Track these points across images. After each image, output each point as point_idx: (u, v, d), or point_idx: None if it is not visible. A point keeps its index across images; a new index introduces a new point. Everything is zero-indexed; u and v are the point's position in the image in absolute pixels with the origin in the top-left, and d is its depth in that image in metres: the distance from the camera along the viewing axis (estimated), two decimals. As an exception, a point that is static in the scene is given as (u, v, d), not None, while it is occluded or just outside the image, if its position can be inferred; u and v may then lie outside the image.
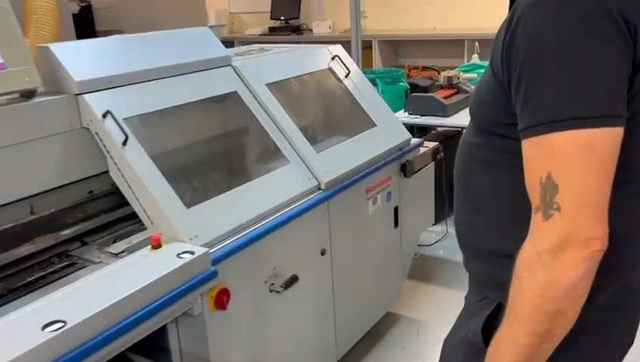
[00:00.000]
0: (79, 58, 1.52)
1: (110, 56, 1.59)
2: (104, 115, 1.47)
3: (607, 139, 0.76)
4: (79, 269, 1.53)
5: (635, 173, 0.86)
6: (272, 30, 6.13)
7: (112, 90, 1.53)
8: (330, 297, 1.98)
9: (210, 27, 1.96)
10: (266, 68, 2.01)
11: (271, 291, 1.69)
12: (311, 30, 5.98)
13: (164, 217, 1.44)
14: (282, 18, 6.14)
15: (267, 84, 1.94)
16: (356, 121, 2.18)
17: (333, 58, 2.27)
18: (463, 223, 1.03)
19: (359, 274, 2.13)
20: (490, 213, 0.95)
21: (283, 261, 1.73)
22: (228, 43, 5.97)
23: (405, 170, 2.27)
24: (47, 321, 1.09)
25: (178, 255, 1.36)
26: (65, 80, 1.47)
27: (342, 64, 2.26)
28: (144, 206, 1.47)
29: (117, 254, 1.56)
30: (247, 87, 1.89)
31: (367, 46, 5.16)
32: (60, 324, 1.09)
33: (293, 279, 1.73)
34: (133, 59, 1.63)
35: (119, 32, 3.87)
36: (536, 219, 0.79)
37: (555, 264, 0.77)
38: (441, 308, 2.60)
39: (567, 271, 0.76)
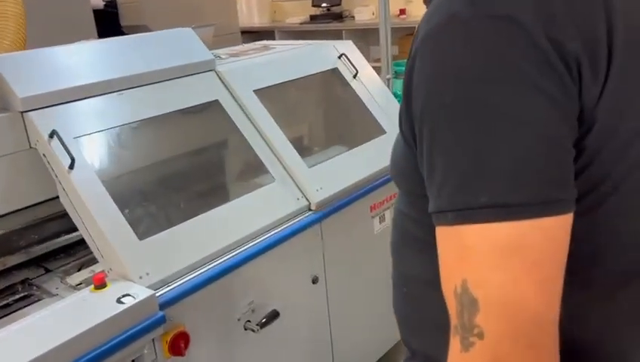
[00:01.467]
0: (28, 71, 1.37)
1: (66, 68, 1.43)
2: (50, 135, 1.31)
3: (543, 235, 0.50)
4: (33, 303, 1.40)
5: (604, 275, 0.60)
6: (313, 18, 5.90)
7: (62, 105, 1.37)
8: (326, 329, 1.77)
9: (194, 28, 1.77)
10: (257, 71, 1.80)
11: (246, 329, 1.50)
12: (353, 17, 5.70)
13: (112, 251, 1.27)
14: (324, 5, 5.89)
15: (255, 91, 1.73)
16: (362, 128, 1.94)
17: (340, 57, 2.03)
18: (397, 313, 0.79)
19: (362, 301, 1.90)
20: (421, 308, 0.71)
21: (262, 294, 1.53)
22: (268, 33, 5.86)
23: (420, 182, 2.01)
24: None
25: (118, 299, 1.19)
26: (9, 96, 1.33)
27: (349, 63, 2.02)
28: (93, 237, 1.31)
29: (75, 286, 1.43)
30: (231, 94, 1.69)
31: (410, 33, 4.85)
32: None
33: (274, 315, 1.53)
34: (95, 69, 1.46)
35: (145, 27, 3.77)
36: (453, 345, 0.54)
37: None
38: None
39: None
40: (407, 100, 0.58)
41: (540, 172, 0.49)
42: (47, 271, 1.53)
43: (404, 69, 0.64)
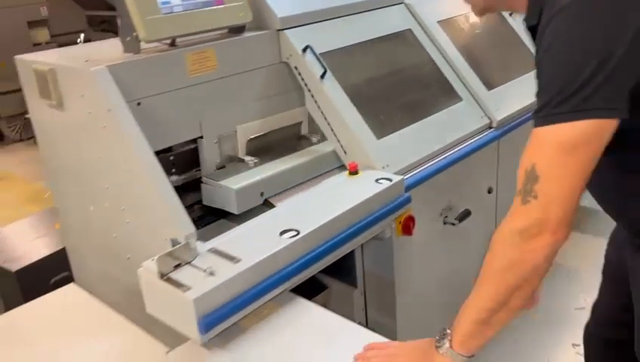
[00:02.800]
0: (281, -6, 1.61)
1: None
2: (304, 50, 1.56)
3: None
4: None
5: None
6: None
7: (310, 25, 1.62)
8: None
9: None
10: (437, 5, 2.02)
11: (445, 223, 1.76)
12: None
13: (359, 146, 1.53)
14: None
15: (439, 22, 1.95)
16: (522, 60, 2.14)
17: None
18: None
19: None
20: None
21: (456, 195, 1.78)
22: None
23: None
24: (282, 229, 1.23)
25: (377, 180, 1.45)
26: (268, 16, 1.58)
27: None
28: (338, 136, 1.57)
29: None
30: (419, 24, 1.92)
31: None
32: (294, 233, 1.22)
33: (466, 213, 1.79)
34: (321, -3, 1.71)
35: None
36: (516, 201, 0.90)
37: (525, 245, 0.88)
38: (588, 256, 2.56)
39: (533, 253, 0.88)
40: None
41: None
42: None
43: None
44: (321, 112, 1.59)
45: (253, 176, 1.46)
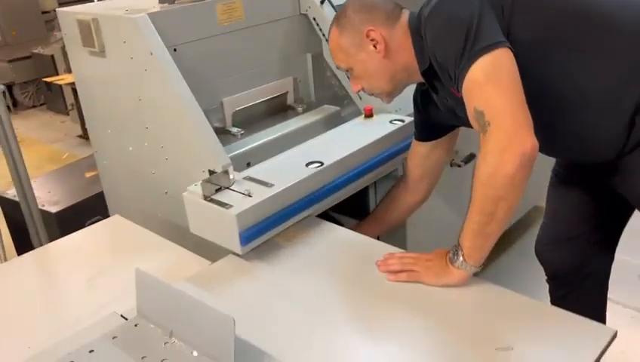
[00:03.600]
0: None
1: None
2: (322, 1, 1.68)
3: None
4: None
5: None
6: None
7: (325, -20, 1.73)
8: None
9: None
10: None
11: (452, 165, 1.90)
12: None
13: (374, 91, 1.66)
14: None
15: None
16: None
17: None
18: None
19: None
20: None
21: (463, 139, 1.91)
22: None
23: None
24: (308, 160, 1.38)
25: (391, 121, 1.59)
26: (288, -30, 1.70)
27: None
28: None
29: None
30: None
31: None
32: (319, 164, 1.36)
33: (472, 156, 1.93)
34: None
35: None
36: (481, 139, 1.05)
37: (496, 160, 1.01)
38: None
39: (504, 165, 1.00)
40: None
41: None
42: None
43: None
44: (338, 61, 1.71)
45: (240, 147, 1.53)
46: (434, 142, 1.43)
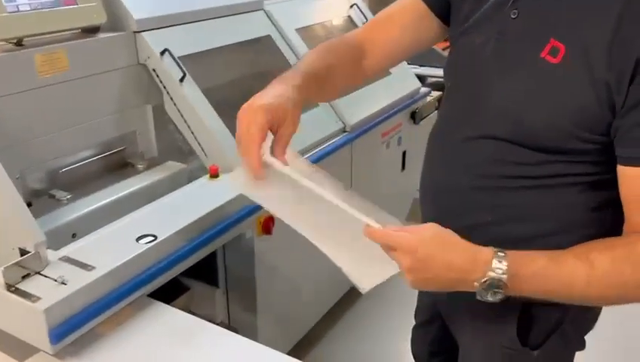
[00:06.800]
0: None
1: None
2: (162, 53, 1.57)
3: None
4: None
5: None
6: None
7: (168, 28, 1.62)
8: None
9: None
10: (294, 13, 2.11)
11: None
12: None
13: (219, 149, 1.58)
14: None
15: (297, 29, 2.05)
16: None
17: (351, 6, 2.37)
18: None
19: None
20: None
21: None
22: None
23: (415, 116, 2.43)
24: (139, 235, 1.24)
25: (236, 184, 1.50)
26: (125, 18, 1.56)
27: (360, 12, 2.37)
28: (199, 139, 1.60)
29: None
30: (278, 31, 2.00)
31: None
32: (151, 238, 1.23)
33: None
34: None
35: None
36: None
37: None
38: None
39: None
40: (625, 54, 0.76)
41: None
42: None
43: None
44: (181, 115, 1.60)
45: (65, 215, 1.36)
46: (434, 14, 1.09)
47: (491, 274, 0.76)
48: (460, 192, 0.99)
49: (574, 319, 1.02)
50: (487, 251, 0.79)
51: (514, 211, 0.94)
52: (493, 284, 0.76)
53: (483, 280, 0.77)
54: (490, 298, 0.78)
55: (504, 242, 0.82)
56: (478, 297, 0.79)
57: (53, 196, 1.41)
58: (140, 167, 1.61)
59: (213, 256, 1.58)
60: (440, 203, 1.06)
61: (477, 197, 0.97)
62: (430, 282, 0.81)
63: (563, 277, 0.80)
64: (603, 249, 0.82)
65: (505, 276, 0.76)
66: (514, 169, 0.91)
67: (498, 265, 0.77)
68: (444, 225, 0.84)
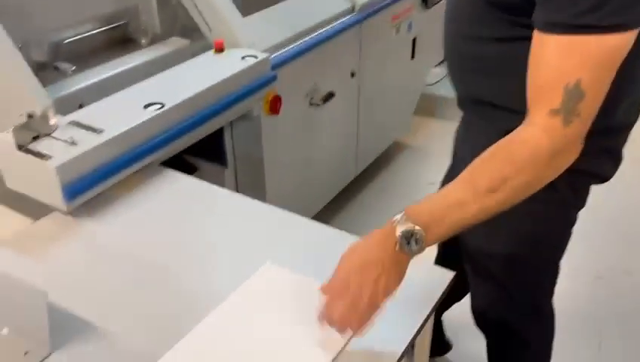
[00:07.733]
0: None
1: None
2: None
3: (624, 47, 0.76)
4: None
5: None
6: None
7: None
8: (355, 117, 2.15)
9: None
10: None
11: (311, 104, 1.84)
12: None
13: (224, 23, 1.53)
14: None
15: None
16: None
17: None
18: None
19: (380, 99, 2.29)
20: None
21: (321, 78, 1.86)
22: None
23: (427, 0, 2.34)
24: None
25: (243, 57, 1.47)
26: None
27: None
28: (203, 13, 1.55)
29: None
30: None
31: None
32: (159, 105, 1.22)
33: (330, 95, 1.88)
34: None
35: None
36: (555, 122, 0.78)
37: (553, 162, 0.80)
38: (444, 140, 2.83)
39: (555, 170, 0.82)
40: None
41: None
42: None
43: None
44: (186, -11, 1.54)
45: (71, 85, 1.35)
46: None
47: (399, 227, 0.79)
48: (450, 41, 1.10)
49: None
50: (390, 221, 0.81)
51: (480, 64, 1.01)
52: (407, 233, 0.78)
53: (397, 234, 0.79)
54: (414, 247, 0.79)
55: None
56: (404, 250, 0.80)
57: (57, 68, 1.39)
58: (143, 42, 1.57)
59: (220, 136, 1.57)
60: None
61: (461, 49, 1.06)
62: (365, 276, 0.78)
63: (450, 199, 0.81)
64: (478, 160, 0.82)
65: (410, 223, 0.79)
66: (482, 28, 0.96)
67: (399, 218, 0.80)
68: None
